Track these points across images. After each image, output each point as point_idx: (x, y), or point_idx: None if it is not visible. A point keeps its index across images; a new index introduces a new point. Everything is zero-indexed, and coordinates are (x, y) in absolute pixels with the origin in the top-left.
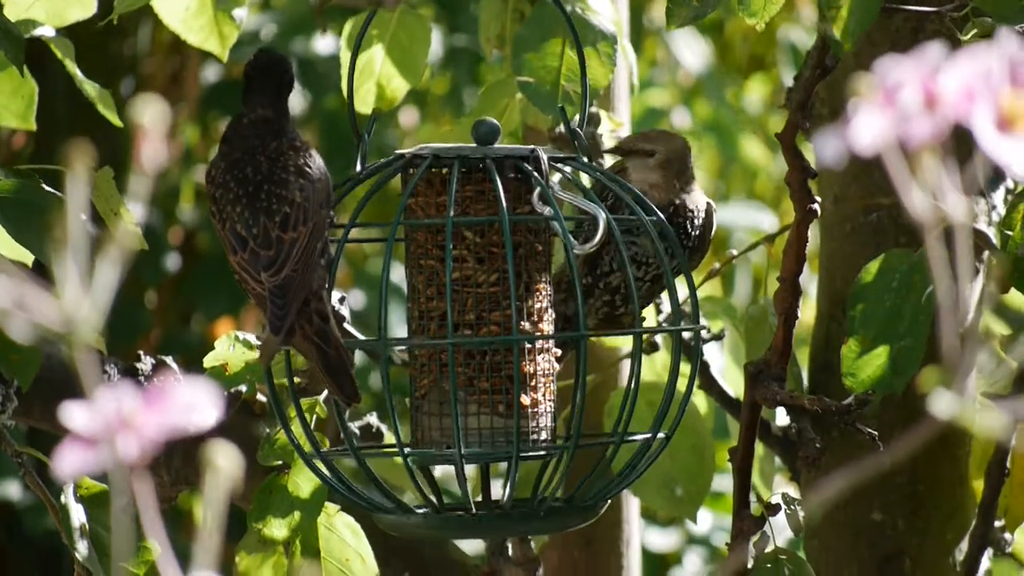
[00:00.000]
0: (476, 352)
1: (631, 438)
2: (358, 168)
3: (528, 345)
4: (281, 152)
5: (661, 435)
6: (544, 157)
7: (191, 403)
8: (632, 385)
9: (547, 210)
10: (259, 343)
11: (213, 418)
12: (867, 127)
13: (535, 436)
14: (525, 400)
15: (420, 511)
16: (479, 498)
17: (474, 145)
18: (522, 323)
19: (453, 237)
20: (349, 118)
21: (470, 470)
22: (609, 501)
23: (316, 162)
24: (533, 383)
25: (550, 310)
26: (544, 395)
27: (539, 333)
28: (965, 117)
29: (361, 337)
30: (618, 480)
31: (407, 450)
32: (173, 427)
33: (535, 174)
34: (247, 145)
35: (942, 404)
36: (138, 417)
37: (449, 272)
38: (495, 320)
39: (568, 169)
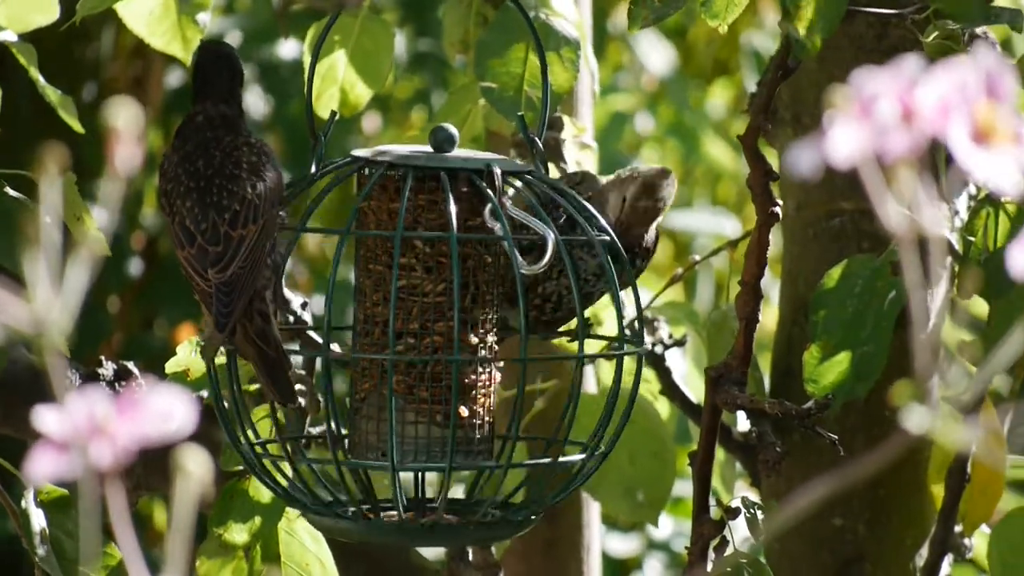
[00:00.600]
0: (414, 361)
1: (565, 459)
2: (312, 169)
3: (470, 355)
4: (235, 147)
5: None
6: (498, 172)
7: (165, 410)
8: (571, 410)
9: (498, 226)
10: (202, 341)
11: (188, 426)
12: (843, 140)
13: (472, 447)
14: (464, 412)
15: (352, 514)
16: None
17: (431, 151)
18: (467, 335)
19: (402, 245)
20: (307, 119)
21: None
22: (540, 515)
23: (270, 160)
24: (472, 394)
25: (494, 320)
26: (483, 406)
27: (482, 348)
28: (941, 130)
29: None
30: (553, 494)
31: (342, 459)
32: (146, 434)
33: (487, 190)
34: (200, 138)
35: (914, 419)
36: (112, 423)
37: (395, 286)
38: (439, 331)
39: (519, 184)
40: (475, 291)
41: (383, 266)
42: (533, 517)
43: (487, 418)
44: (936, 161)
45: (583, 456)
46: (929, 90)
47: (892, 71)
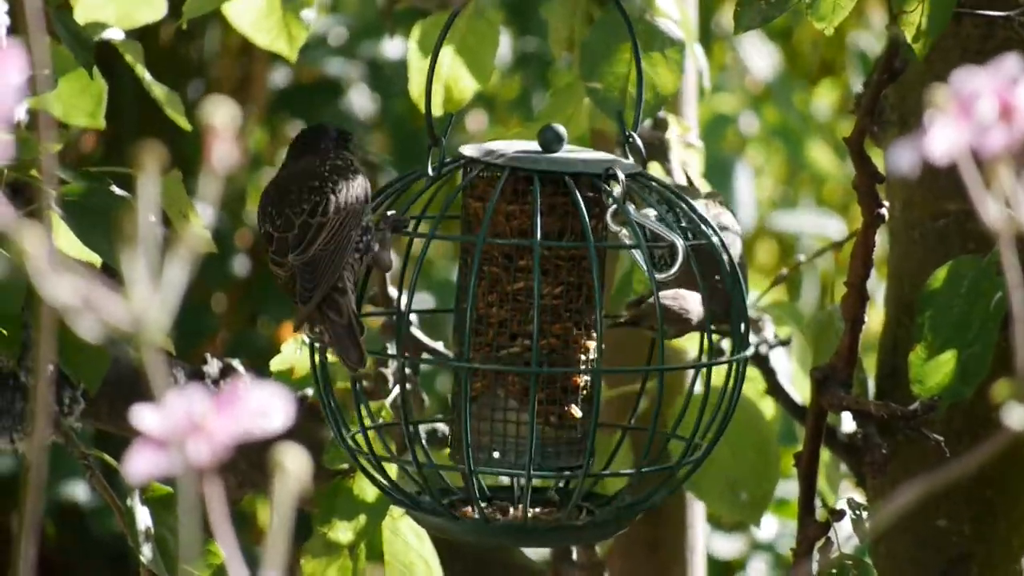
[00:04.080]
0: (531, 363)
1: (689, 460)
2: (430, 171)
3: (581, 357)
4: (321, 160)
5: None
6: (622, 176)
7: (263, 407)
8: (703, 412)
9: (623, 231)
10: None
11: (285, 423)
12: (943, 137)
13: (580, 447)
14: (577, 412)
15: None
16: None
17: (538, 150)
18: (581, 338)
19: (519, 249)
20: (426, 121)
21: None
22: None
23: (352, 165)
24: (584, 395)
25: (602, 320)
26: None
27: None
28: None
29: (429, 342)
30: (663, 489)
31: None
32: (244, 431)
33: (612, 195)
34: (286, 168)
35: (1016, 416)
36: (210, 420)
37: (537, 294)
38: (555, 332)
39: (642, 191)
40: (587, 293)
41: (499, 268)
42: (640, 509)
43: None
44: None
45: (700, 457)
46: None
47: (992, 70)
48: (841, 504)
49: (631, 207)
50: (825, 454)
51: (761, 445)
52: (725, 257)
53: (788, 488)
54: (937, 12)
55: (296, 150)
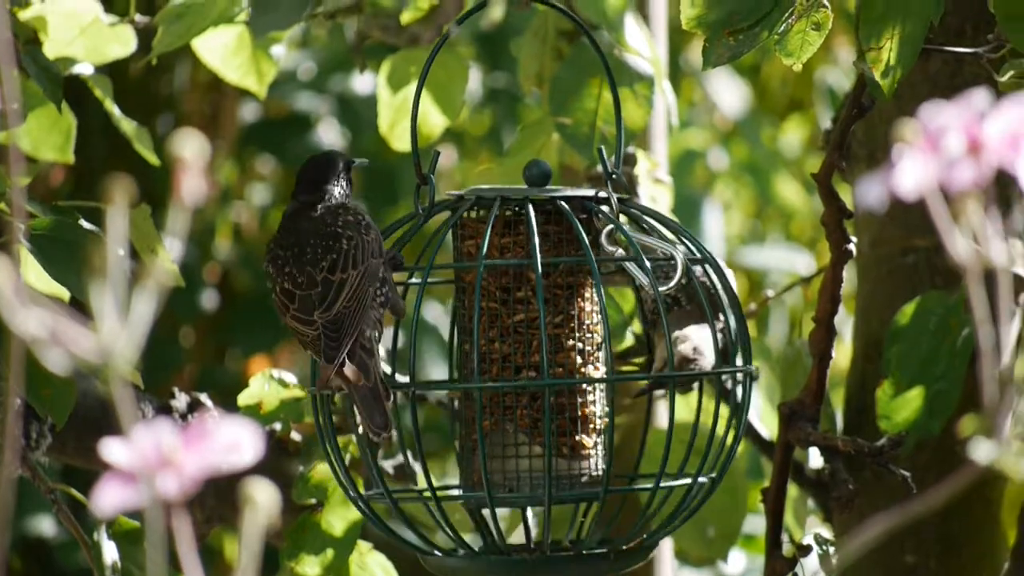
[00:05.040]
0: (540, 394)
1: (670, 483)
2: (419, 210)
3: (588, 387)
4: (329, 211)
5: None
6: (614, 197)
7: (232, 442)
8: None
9: (618, 251)
10: (314, 387)
11: (254, 458)
12: (911, 172)
13: (589, 477)
14: (588, 441)
15: (458, 552)
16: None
17: (524, 187)
18: (586, 366)
19: (517, 279)
20: (413, 160)
21: (504, 511)
22: (658, 544)
23: (365, 219)
24: (593, 425)
25: (602, 347)
26: (601, 436)
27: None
28: (1009, 163)
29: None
30: (664, 524)
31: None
32: (213, 466)
33: (608, 214)
34: (293, 219)
35: (982, 451)
36: (178, 455)
37: (543, 316)
38: (559, 361)
39: (630, 211)
40: (588, 321)
41: (497, 302)
42: (650, 546)
43: (603, 449)
44: (1009, 196)
45: (698, 479)
46: (997, 123)
47: (960, 105)
48: (808, 539)
49: (625, 227)
50: (792, 489)
51: (729, 481)
52: (717, 276)
53: (755, 523)
54: (905, 50)
55: (297, 186)
